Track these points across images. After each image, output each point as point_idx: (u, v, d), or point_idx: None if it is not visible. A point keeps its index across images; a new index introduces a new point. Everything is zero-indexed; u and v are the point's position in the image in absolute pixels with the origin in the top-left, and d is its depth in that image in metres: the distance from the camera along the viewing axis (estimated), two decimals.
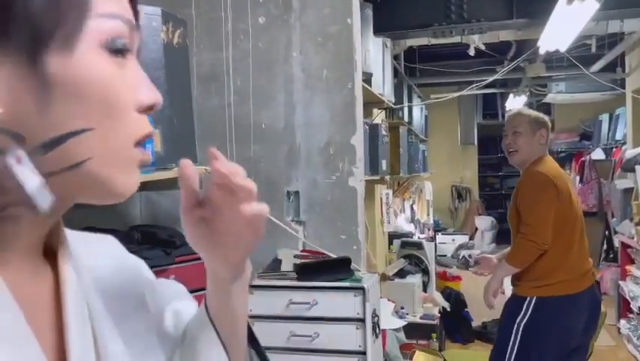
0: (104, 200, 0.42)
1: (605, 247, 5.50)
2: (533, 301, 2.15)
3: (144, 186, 1.48)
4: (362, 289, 1.57)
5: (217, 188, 0.44)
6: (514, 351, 2.17)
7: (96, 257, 0.50)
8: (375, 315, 1.61)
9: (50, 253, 0.45)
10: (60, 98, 0.38)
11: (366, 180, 2.59)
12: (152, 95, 0.43)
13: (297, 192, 1.93)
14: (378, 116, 3.52)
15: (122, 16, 0.41)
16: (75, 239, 0.49)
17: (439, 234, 6.78)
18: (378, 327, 1.64)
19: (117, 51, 0.40)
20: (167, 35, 1.50)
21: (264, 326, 1.54)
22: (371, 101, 3.09)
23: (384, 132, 3.16)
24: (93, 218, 1.69)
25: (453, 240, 6.33)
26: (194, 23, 1.97)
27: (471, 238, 7.28)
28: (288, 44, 1.92)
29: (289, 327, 1.58)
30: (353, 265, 1.71)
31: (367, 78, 2.65)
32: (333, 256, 1.80)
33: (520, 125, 2.31)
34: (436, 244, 4.89)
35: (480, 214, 8.32)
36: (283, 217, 1.90)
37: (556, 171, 2.27)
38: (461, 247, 6.55)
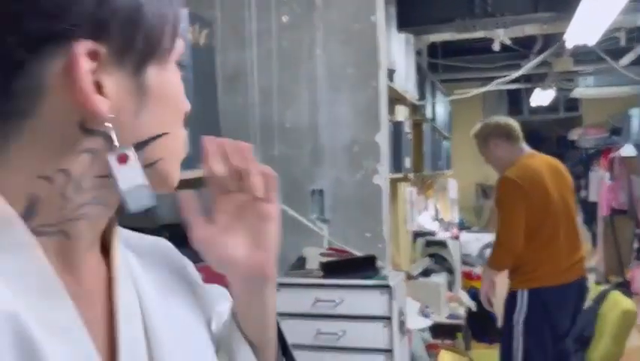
0: (158, 192, 0.46)
1: (636, 245, 5.35)
2: (526, 295, 2.29)
3: None
4: (388, 287, 1.56)
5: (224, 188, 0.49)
6: (520, 343, 2.32)
7: (150, 256, 0.53)
8: (401, 313, 1.60)
9: (104, 246, 0.48)
10: (150, 106, 0.43)
11: (390, 178, 2.58)
12: (187, 104, 0.49)
13: (321, 191, 1.93)
14: (402, 113, 3.50)
15: (184, 37, 0.48)
16: (130, 238, 0.52)
17: (464, 232, 6.69)
18: (405, 326, 1.64)
19: (179, 66, 0.47)
20: (193, 36, 1.52)
21: (291, 324, 1.55)
22: (394, 98, 3.07)
23: (407, 129, 3.14)
24: (122, 218, 1.73)
25: (478, 238, 6.24)
26: (218, 24, 1.99)
27: None
28: (311, 43, 1.93)
29: (316, 325, 1.58)
30: (378, 263, 1.71)
31: (390, 75, 2.64)
32: (358, 254, 1.80)
33: (477, 145, 2.52)
34: (460, 243, 4.83)
35: None
36: (308, 216, 1.91)
37: (526, 170, 2.36)
38: (487, 246, 6.45)
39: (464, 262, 4.86)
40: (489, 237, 6.95)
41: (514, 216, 2.23)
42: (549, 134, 9.21)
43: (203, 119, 1.57)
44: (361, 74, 1.89)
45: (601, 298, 3.14)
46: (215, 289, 0.62)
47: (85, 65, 0.38)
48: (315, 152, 1.94)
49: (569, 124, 8.44)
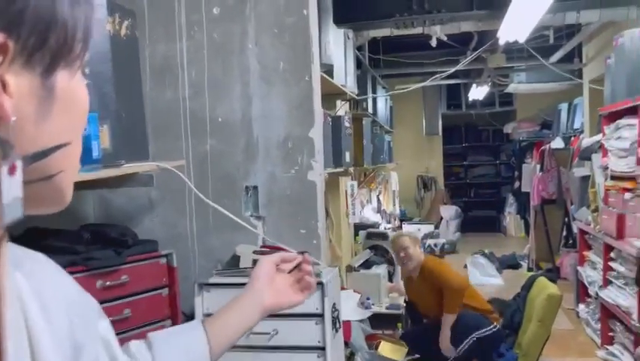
0: (49, 211, 0.43)
1: (564, 233, 5.66)
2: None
3: (94, 184, 1.41)
4: (321, 284, 1.55)
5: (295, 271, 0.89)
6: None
7: (35, 274, 0.48)
8: (334, 309, 1.60)
9: None
10: (55, 112, 0.40)
11: (329, 173, 2.57)
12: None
13: (255, 187, 1.90)
14: (342, 108, 3.51)
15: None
16: (15, 254, 0.46)
17: (405, 223, 6.84)
18: (339, 321, 1.64)
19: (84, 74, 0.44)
20: (113, 27, 1.44)
21: None
22: (333, 93, 3.07)
23: (347, 124, 3.15)
24: (42, 217, 1.62)
25: (419, 229, 6.40)
26: (145, 14, 1.90)
27: (436, 227, 7.38)
28: (243, 36, 1.88)
29: None
30: (312, 260, 1.70)
31: (328, 70, 2.63)
32: (293, 251, 1.78)
33: (397, 253, 3.34)
34: None
35: (445, 203, 8.45)
36: (242, 213, 1.87)
37: (432, 256, 3.74)
38: (427, 236, 6.63)
39: None
40: (429, 227, 7.16)
41: (450, 271, 3.17)
42: (486, 127, 9.56)
43: (128, 114, 1.50)
44: (294, 68, 1.86)
45: (529, 284, 3.30)
46: (94, 304, 0.58)
47: None
48: (248, 147, 1.90)
49: (504, 118, 8.80)
